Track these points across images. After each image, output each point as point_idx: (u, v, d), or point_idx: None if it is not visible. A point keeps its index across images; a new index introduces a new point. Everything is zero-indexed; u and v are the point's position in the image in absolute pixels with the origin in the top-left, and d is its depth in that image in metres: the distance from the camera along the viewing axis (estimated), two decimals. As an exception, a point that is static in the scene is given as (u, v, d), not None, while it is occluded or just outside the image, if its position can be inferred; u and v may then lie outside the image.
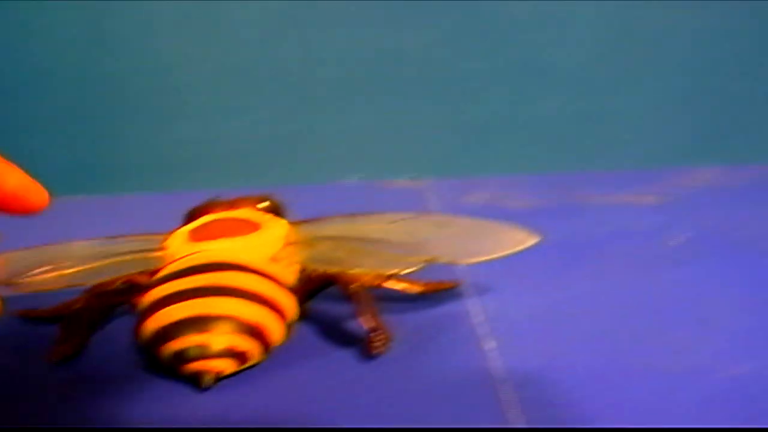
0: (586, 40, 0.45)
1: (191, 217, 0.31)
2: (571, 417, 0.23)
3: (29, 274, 0.29)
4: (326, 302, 0.29)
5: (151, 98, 0.45)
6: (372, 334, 0.26)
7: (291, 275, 0.28)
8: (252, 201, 0.32)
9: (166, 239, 0.30)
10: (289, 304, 0.26)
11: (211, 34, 0.45)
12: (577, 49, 0.45)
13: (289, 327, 0.26)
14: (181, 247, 0.29)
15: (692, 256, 0.34)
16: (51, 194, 0.23)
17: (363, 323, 0.27)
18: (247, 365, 0.25)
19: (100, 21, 0.44)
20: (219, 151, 0.46)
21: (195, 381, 0.25)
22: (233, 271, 0.26)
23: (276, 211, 0.32)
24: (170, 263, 0.28)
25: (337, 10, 0.44)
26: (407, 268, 0.27)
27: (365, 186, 0.45)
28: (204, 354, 0.25)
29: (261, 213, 0.31)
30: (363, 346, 0.26)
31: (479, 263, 0.28)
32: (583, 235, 0.37)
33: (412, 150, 0.46)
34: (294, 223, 0.30)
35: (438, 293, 0.30)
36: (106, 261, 0.29)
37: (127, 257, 0.29)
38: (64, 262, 0.29)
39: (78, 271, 0.29)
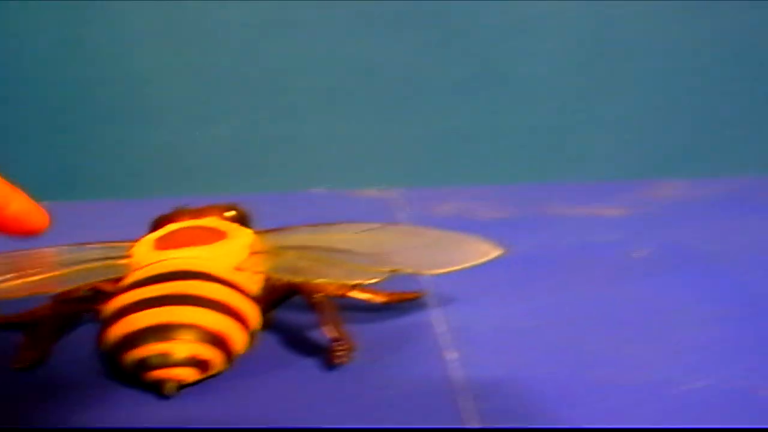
0: (557, 53, 0.45)
1: (157, 225, 0.31)
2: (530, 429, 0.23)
3: None
4: (290, 312, 0.29)
5: (122, 105, 0.45)
6: (335, 344, 0.27)
7: (255, 284, 0.28)
8: (218, 210, 0.32)
9: (132, 247, 0.30)
10: (253, 314, 0.27)
11: (186, 43, 0.45)
12: (547, 62, 0.45)
13: (252, 336, 0.26)
14: (146, 255, 0.29)
15: (657, 269, 0.34)
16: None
17: (326, 333, 0.27)
18: (209, 374, 0.25)
19: (74, 27, 0.44)
20: (189, 158, 0.46)
21: (157, 389, 0.25)
22: (197, 280, 0.26)
23: (242, 220, 0.32)
24: (135, 271, 0.28)
25: (309, 23, 0.45)
26: (372, 278, 0.27)
27: (333, 195, 0.45)
28: (166, 362, 0.25)
29: (227, 222, 0.31)
30: (326, 356, 0.27)
31: (444, 274, 0.28)
32: (548, 247, 0.37)
33: (381, 160, 0.46)
34: (259, 233, 0.30)
35: (402, 303, 0.31)
36: (73, 268, 0.29)
37: (94, 265, 0.29)
38: (30, 270, 0.29)
39: (44, 279, 0.28)
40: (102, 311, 0.26)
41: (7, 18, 0.44)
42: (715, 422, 0.23)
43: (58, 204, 0.40)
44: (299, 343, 0.28)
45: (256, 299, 0.27)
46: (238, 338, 0.26)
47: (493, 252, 0.29)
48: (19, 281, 0.28)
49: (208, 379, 0.25)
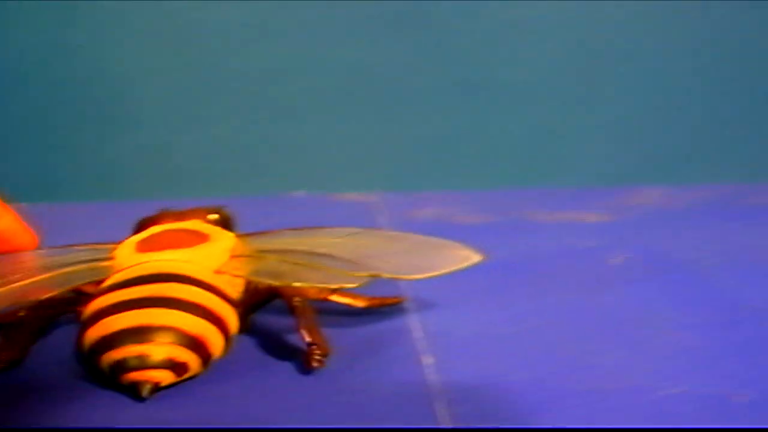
0: (538, 59, 0.45)
1: (141, 227, 0.32)
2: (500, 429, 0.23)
3: None
4: (269, 315, 0.29)
5: (107, 107, 0.45)
6: (311, 348, 0.27)
7: (235, 288, 0.28)
8: (202, 213, 0.32)
9: (114, 249, 0.30)
10: (231, 317, 0.27)
11: (169, 45, 0.45)
12: (529, 68, 0.45)
13: (230, 340, 0.27)
14: (127, 257, 0.29)
15: (635, 275, 0.34)
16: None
17: (303, 337, 0.27)
18: (186, 376, 0.26)
19: (58, 27, 0.44)
20: (172, 161, 0.46)
21: (134, 391, 0.25)
22: (176, 282, 0.27)
23: (225, 223, 0.32)
24: (115, 273, 0.28)
25: (290, 28, 0.45)
26: (352, 282, 0.27)
27: (313, 199, 0.45)
28: (143, 364, 0.25)
29: (209, 225, 0.31)
30: (302, 360, 0.27)
31: (424, 279, 0.28)
32: (528, 253, 0.37)
33: (362, 163, 0.46)
34: (241, 236, 0.31)
35: (380, 308, 0.31)
36: (56, 272, 0.29)
37: (77, 267, 0.29)
38: (12, 275, 0.29)
39: (27, 284, 0.28)
40: (81, 313, 0.27)
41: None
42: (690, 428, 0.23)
43: (42, 206, 0.41)
44: (277, 346, 0.28)
45: (235, 303, 0.27)
46: (216, 342, 0.26)
47: (473, 258, 0.30)
48: (3, 288, 0.28)
49: (184, 381, 0.26)
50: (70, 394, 0.25)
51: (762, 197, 0.44)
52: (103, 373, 0.25)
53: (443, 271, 0.29)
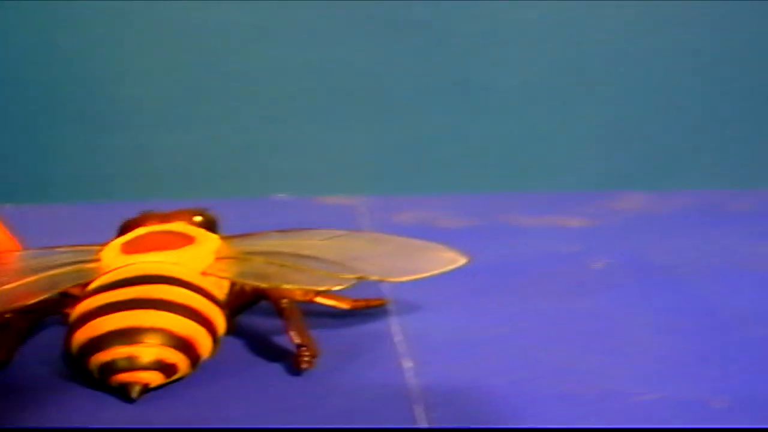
0: (522, 63, 0.45)
1: (125, 229, 0.32)
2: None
3: None
4: (255, 317, 0.30)
5: (91, 107, 0.45)
6: (300, 350, 0.27)
7: (221, 290, 0.29)
8: (187, 215, 0.32)
9: (100, 250, 0.30)
10: (219, 319, 0.27)
11: (155, 47, 0.45)
12: (513, 72, 0.46)
13: (218, 341, 0.27)
14: (113, 259, 0.29)
15: (616, 280, 0.35)
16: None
17: (292, 339, 0.27)
18: (174, 378, 0.26)
19: (43, 28, 0.44)
20: (157, 163, 0.46)
21: (123, 392, 0.25)
22: (164, 284, 0.27)
23: (210, 225, 0.32)
24: (102, 275, 0.28)
25: (275, 29, 0.45)
26: (339, 284, 0.27)
27: (296, 202, 0.45)
28: (132, 366, 0.25)
29: (194, 227, 0.31)
30: (291, 362, 0.27)
31: (409, 282, 0.29)
32: (509, 257, 0.37)
33: (345, 167, 0.46)
34: (226, 238, 0.31)
35: (362, 310, 0.31)
36: (42, 275, 0.29)
37: (63, 270, 0.29)
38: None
39: (13, 288, 0.28)
40: (68, 315, 0.27)
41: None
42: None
43: (27, 207, 0.41)
44: (263, 348, 0.29)
45: (222, 304, 0.28)
46: (204, 343, 0.26)
47: (458, 260, 0.30)
48: None
49: (173, 382, 0.26)
50: (57, 395, 0.26)
51: (743, 203, 0.45)
52: (92, 375, 0.26)
53: (429, 273, 0.29)
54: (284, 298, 0.28)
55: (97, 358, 0.25)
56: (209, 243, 0.30)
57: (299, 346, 0.27)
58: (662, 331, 0.30)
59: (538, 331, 0.30)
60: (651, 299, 0.33)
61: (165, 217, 0.32)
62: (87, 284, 0.28)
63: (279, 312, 0.28)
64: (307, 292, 0.30)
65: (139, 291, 0.26)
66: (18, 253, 0.31)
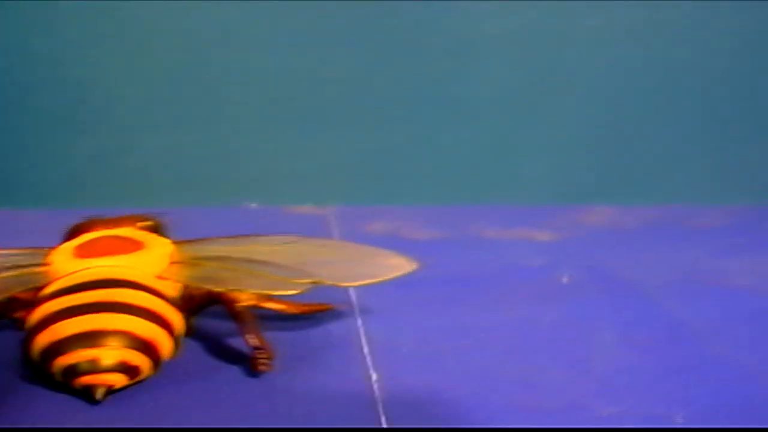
0: (492, 75, 0.46)
1: (72, 233, 0.32)
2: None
3: None
4: (209, 320, 0.30)
5: (62, 111, 0.44)
6: (256, 352, 0.28)
7: (175, 293, 0.29)
8: (133, 220, 0.33)
9: (49, 254, 0.30)
10: (178, 321, 0.27)
11: (125, 52, 0.44)
12: (482, 83, 0.46)
13: (177, 343, 0.27)
14: (66, 263, 0.29)
15: (580, 294, 0.35)
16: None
17: (248, 342, 0.28)
18: (138, 379, 0.26)
19: (11, 31, 0.43)
20: (124, 168, 0.45)
21: (87, 394, 0.25)
22: (124, 287, 0.27)
23: (157, 231, 0.32)
24: (58, 279, 0.28)
25: (246, 35, 0.44)
26: (293, 289, 0.28)
27: (267, 211, 0.45)
28: (96, 368, 0.25)
29: (143, 232, 0.32)
30: (249, 364, 0.28)
31: (364, 286, 0.30)
32: (474, 269, 0.38)
33: (316, 176, 0.46)
34: (177, 243, 0.31)
35: (317, 315, 0.32)
36: None
37: (10, 273, 0.29)
38: None
39: None
40: (26, 320, 0.27)
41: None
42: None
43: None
44: (221, 351, 0.29)
45: (179, 307, 0.28)
46: (165, 344, 0.27)
47: (407, 266, 0.31)
48: None
49: (135, 384, 0.26)
50: (19, 399, 0.26)
51: (708, 219, 0.45)
52: (55, 378, 0.26)
53: (381, 278, 0.30)
54: (236, 302, 0.29)
55: (60, 362, 0.25)
56: (161, 247, 0.30)
57: (255, 348, 0.28)
58: (626, 344, 0.31)
59: (502, 343, 0.31)
60: (616, 312, 0.33)
61: (112, 222, 0.32)
62: (38, 289, 0.28)
63: (233, 315, 0.29)
64: (258, 296, 0.30)
65: (100, 294, 0.27)
66: None
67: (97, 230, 0.32)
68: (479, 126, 0.47)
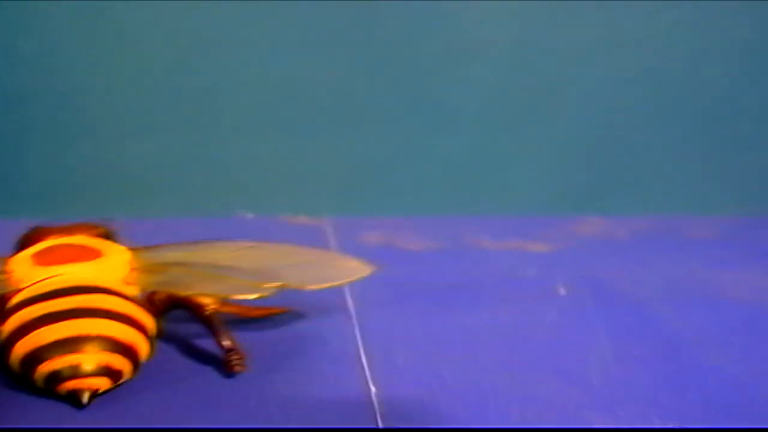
0: (490, 84, 0.46)
1: (25, 242, 0.32)
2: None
3: None
4: (178, 323, 0.31)
5: (53, 118, 0.43)
6: (230, 353, 0.29)
7: (140, 298, 0.29)
8: (84, 228, 0.33)
9: (6, 263, 0.30)
10: (151, 323, 0.28)
11: (115, 57, 0.43)
12: (480, 93, 0.46)
13: (153, 345, 0.28)
14: (29, 271, 0.29)
15: (573, 305, 0.35)
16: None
17: (220, 343, 0.29)
18: (120, 382, 0.27)
19: (2, 34, 0.42)
20: (114, 176, 0.44)
21: (72, 399, 0.26)
22: (98, 293, 0.27)
23: (108, 238, 0.33)
24: (25, 287, 0.28)
25: (242, 42, 0.44)
26: (260, 293, 0.29)
27: (263, 221, 0.45)
28: (78, 373, 0.26)
29: (97, 240, 0.32)
30: (224, 366, 0.28)
31: (325, 289, 0.31)
32: (467, 280, 0.38)
33: (313, 187, 0.46)
34: (134, 250, 0.32)
35: (272, 317, 0.33)
36: None
37: None
38: None
39: None
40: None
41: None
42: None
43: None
44: (194, 353, 0.30)
45: (150, 310, 0.29)
46: (143, 347, 0.27)
47: (364, 270, 0.32)
48: None
49: (117, 388, 0.27)
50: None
51: (701, 229, 0.46)
52: (38, 386, 0.26)
53: (341, 281, 0.32)
54: (202, 306, 0.30)
55: (42, 369, 0.26)
56: (120, 254, 0.31)
57: (229, 350, 0.29)
58: (620, 355, 0.31)
59: (493, 355, 0.31)
60: (610, 323, 0.34)
61: (64, 231, 0.32)
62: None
63: (202, 319, 0.30)
64: (218, 301, 0.31)
65: (77, 300, 0.27)
66: None
67: (50, 238, 0.32)
68: (474, 137, 0.47)
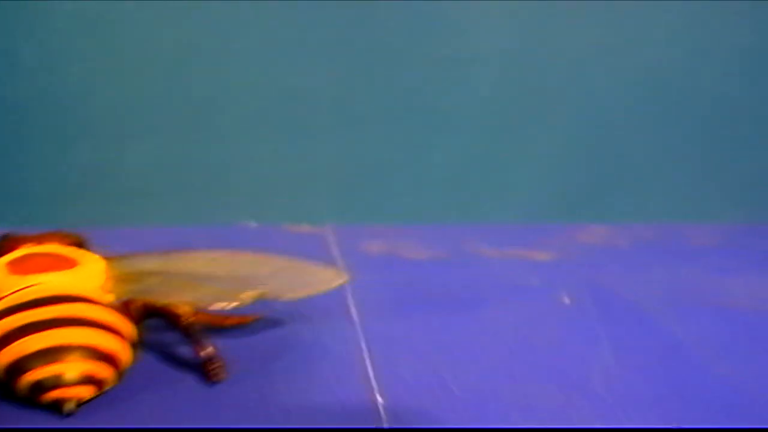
0: (488, 92, 0.46)
1: (-2, 251, 0.32)
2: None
3: None
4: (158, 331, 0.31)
5: (53, 125, 0.43)
6: (209, 362, 0.29)
7: (117, 306, 0.30)
8: (57, 237, 0.33)
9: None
10: (131, 331, 0.28)
11: (111, 64, 0.43)
12: (480, 102, 0.46)
13: (133, 352, 0.28)
14: (5, 280, 0.29)
15: (576, 314, 0.35)
16: None
17: (199, 353, 0.29)
18: (103, 390, 0.27)
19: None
20: (114, 186, 0.44)
21: (56, 409, 0.26)
22: (79, 302, 0.28)
23: (81, 247, 0.33)
24: (6, 296, 0.28)
25: (241, 49, 0.44)
26: (239, 302, 0.29)
27: (266, 230, 0.44)
28: (61, 382, 0.26)
29: (71, 248, 0.32)
30: (204, 374, 0.29)
31: (301, 298, 0.31)
32: (470, 288, 0.38)
33: (315, 196, 0.46)
34: (107, 259, 0.32)
35: (245, 325, 0.33)
36: None
37: None
38: None
39: None
40: None
41: None
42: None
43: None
44: (174, 360, 0.30)
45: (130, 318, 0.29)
46: (125, 354, 0.27)
47: (338, 279, 0.33)
48: None
49: (100, 396, 0.27)
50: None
51: (704, 237, 0.46)
52: (21, 396, 0.26)
53: (317, 290, 0.32)
54: (179, 316, 0.30)
55: (24, 380, 0.26)
56: (94, 263, 0.31)
57: (210, 358, 0.29)
58: (623, 364, 0.31)
59: (496, 366, 0.31)
60: (613, 331, 0.34)
61: (35, 239, 0.32)
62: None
63: (181, 328, 0.30)
64: (193, 310, 0.31)
65: (58, 310, 0.27)
66: None
67: (23, 247, 0.32)
68: (475, 145, 0.47)
